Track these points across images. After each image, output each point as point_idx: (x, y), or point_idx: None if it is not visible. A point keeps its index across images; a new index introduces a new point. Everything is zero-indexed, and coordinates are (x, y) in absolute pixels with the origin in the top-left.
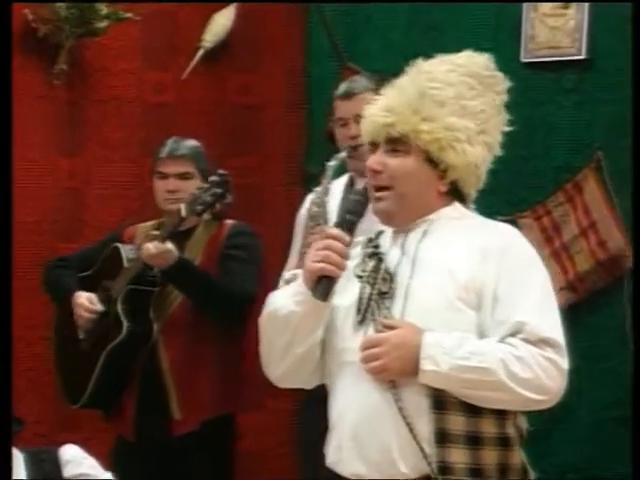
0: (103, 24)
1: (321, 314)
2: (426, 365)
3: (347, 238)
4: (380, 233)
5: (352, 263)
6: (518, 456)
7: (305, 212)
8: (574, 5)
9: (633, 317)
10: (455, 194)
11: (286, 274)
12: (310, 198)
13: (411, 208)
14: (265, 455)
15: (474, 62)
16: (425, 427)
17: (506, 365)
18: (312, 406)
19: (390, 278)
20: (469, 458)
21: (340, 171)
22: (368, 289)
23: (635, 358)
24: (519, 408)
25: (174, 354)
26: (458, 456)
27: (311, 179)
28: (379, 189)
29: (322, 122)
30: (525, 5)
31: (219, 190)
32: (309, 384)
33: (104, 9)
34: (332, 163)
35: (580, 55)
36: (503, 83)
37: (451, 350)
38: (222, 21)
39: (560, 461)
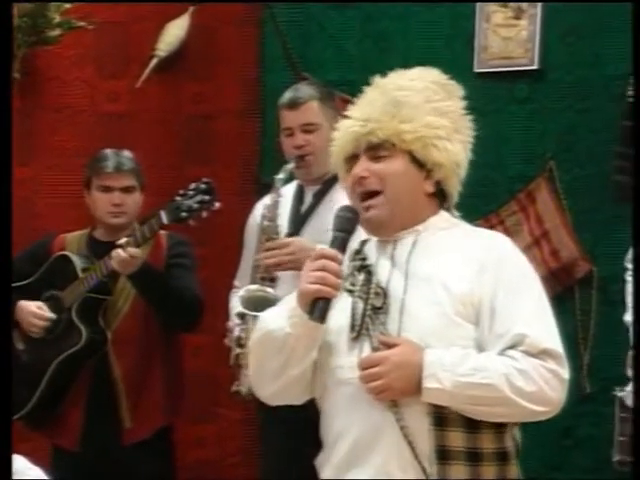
0: (56, 33)
1: (317, 335)
2: (429, 383)
3: (340, 257)
4: (364, 242)
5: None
6: (515, 470)
7: (254, 221)
8: (526, 16)
9: (633, 317)
10: (440, 197)
11: (236, 282)
12: (259, 207)
13: (402, 213)
14: (221, 464)
15: (430, 74)
16: (426, 444)
17: (509, 379)
18: (272, 426)
19: (383, 292)
20: (469, 474)
21: (289, 181)
22: (361, 304)
23: (635, 358)
24: (522, 420)
25: (125, 362)
26: (458, 472)
27: (265, 188)
28: (368, 196)
29: (276, 131)
30: (478, 16)
31: (207, 197)
32: (300, 400)
33: (57, 17)
34: (280, 176)
35: (532, 65)
36: (460, 90)
37: (453, 367)
38: (176, 30)
39: None
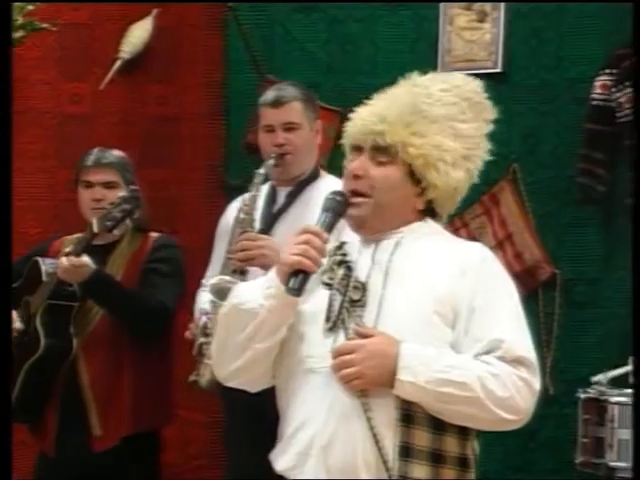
0: (18, 34)
1: (290, 309)
2: (403, 375)
3: (325, 235)
4: (344, 243)
5: (318, 270)
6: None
7: (226, 220)
8: (490, 19)
9: (633, 317)
10: (429, 213)
11: (204, 281)
12: (233, 206)
13: (385, 219)
14: (184, 467)
15: (469, 85)
16: (391, 439)
17: (483, 382)
18: (236, 428)
19: (362, 287)
20: (430, 474)
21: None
22: (339, 297)
23: (635, 358)
24: (489, 427)
25: (95, 370)
26: (420, 472)
27: (231, 191)
28: (356, 195)
29: (241, 134)
30: (442, 19)
31: (128, 206)
32: (257, 386)
33: (19, 19)
34: (262, 171)
35: (496, 68)
36: (491, 112)
37: (429, 362)
38: (139, 32)
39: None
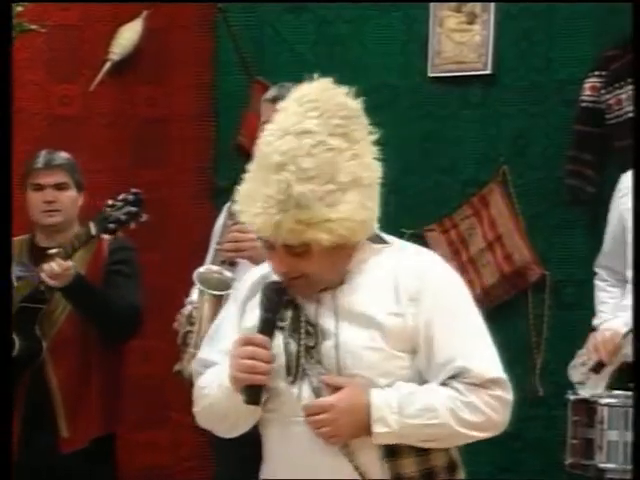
0: None
1: (257, 409)
2: (378, 428)
3: (269, 343)
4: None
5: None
6: (462, 474)
7: (219, 222)
8: (480, 21)
9: (633, 317)
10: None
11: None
12: (228, 205)
13: (328, 281)
14: (175, 469)
15: (327, 100)
16: (379, 474)
17: (457, 414)
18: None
19: (315, 331)
20: None
21: None
22: (294, 345)
23: (635, 359)
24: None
25: (62, 372)
26: None
27: (220, 192)
28: (292, 278)
29: (231, 135)
30: (432, 21)
31: (134, 209)
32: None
33: None
34: None
35: (486, 70)
36: (358, 110)
37: (401, 409)
38: (129, 34)
39: None
